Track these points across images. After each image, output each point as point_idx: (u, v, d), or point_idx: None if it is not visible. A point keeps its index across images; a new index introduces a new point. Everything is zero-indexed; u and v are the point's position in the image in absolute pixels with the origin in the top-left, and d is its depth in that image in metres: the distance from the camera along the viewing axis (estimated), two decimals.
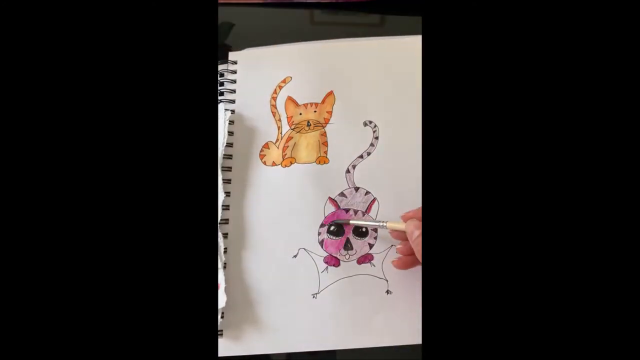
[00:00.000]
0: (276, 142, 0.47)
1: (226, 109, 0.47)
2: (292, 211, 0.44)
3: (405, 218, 0.38)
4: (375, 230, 0.43)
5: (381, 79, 0.48)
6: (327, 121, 0.47)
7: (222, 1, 0.54)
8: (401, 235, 0.40)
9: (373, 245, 0.43)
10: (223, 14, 0.52)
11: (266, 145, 0.47)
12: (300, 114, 0.48)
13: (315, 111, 0.47)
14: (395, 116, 0.46)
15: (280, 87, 0.49)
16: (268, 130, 0.47)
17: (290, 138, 0.47)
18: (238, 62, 0.50)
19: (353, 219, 0.43)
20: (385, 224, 0.40)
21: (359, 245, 0.43)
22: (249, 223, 0.44)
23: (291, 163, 0.46)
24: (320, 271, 0.42)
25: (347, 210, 0.44)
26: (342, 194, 0.44)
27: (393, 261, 0.40)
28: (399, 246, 0.40)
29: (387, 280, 0.41)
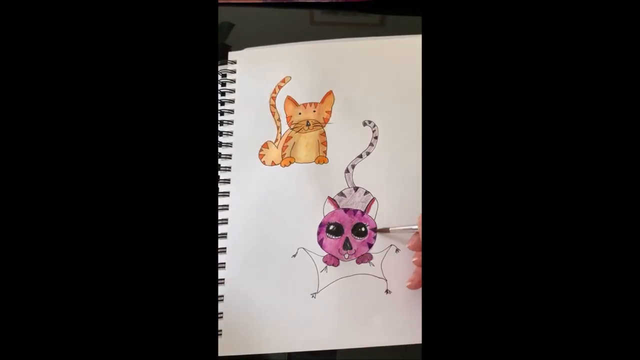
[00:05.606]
0: (275, 141, 0.47)
1: (226, 109, 0.47)
2: (291, 211, 0.44)
3: None
4: (375, 230, 0.43)
5: (381, 79, 0.48)
6: (326, 121, 0.47)
7: (222, 1, 0.54)
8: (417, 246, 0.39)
9: (372, 245, 0.43)
10: (223, 14, 0.52)
11: (265, 145, 0.47)
12: (300, 113, 0.48)
13: (314, 111, 0.47)
14: (395, 116, 0.47)
15: (280, 87, 0.49)
16: (267, 130, 0.47)
17: (289, 138, 0.47)
18: (238, 62, 0.50)
19: (392, 227, 0.42)
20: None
21: (358, 245, 0.43)
22: (248, 223, 0.44)
23: (290, 163, 0.46)
24: (319, 271, 0.42)
25: (346, 210, 0.44)
26: (341, 194, 0.44)
27: (408, 285, 0.39)
28: (415, 259, 0.39)
29: (386, 280, 0.42)
